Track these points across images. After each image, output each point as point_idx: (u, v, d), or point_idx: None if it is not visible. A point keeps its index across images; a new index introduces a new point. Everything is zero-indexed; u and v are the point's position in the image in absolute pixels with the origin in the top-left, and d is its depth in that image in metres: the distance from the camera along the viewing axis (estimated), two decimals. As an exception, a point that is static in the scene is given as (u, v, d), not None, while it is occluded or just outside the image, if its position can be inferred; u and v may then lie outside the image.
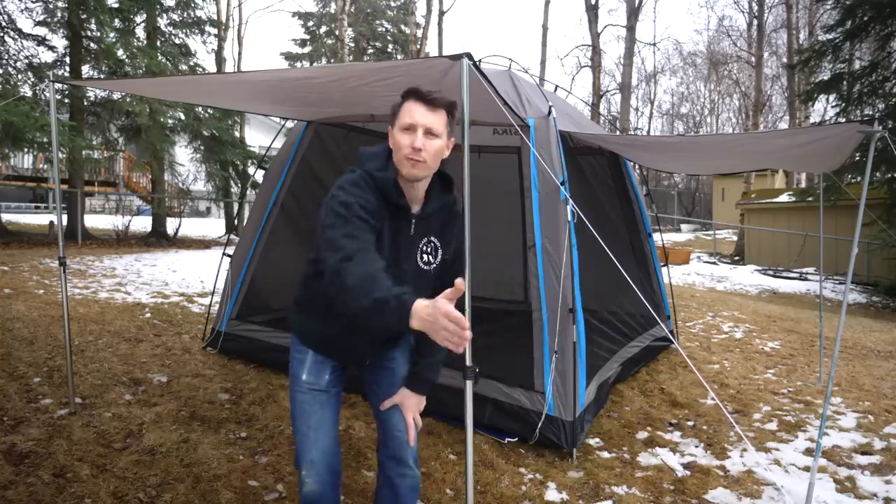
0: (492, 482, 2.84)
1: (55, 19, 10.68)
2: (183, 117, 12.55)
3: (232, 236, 11.59)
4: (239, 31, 20.89)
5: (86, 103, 11.63)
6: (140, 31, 12.30)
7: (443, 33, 19.43)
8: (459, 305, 1.35)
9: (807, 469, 3.13)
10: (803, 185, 20.81)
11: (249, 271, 4.49)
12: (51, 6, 10.62)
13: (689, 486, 2.93)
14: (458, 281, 1.30)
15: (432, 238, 1.82)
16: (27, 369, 3.78)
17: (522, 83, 3.91)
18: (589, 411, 3.41)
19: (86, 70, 11.39)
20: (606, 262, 2.27)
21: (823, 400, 2.88)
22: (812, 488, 2.62)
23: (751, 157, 3.94)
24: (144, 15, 11.97)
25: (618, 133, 14.94)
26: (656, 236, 5.47)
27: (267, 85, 3.18)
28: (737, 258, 15.63)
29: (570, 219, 3.23)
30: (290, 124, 4.91)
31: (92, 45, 11.12)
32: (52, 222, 12.44)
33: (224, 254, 4.66)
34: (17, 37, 10.55)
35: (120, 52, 10.73)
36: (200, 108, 12.40)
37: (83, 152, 11.04)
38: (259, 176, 11.28)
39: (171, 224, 13.42)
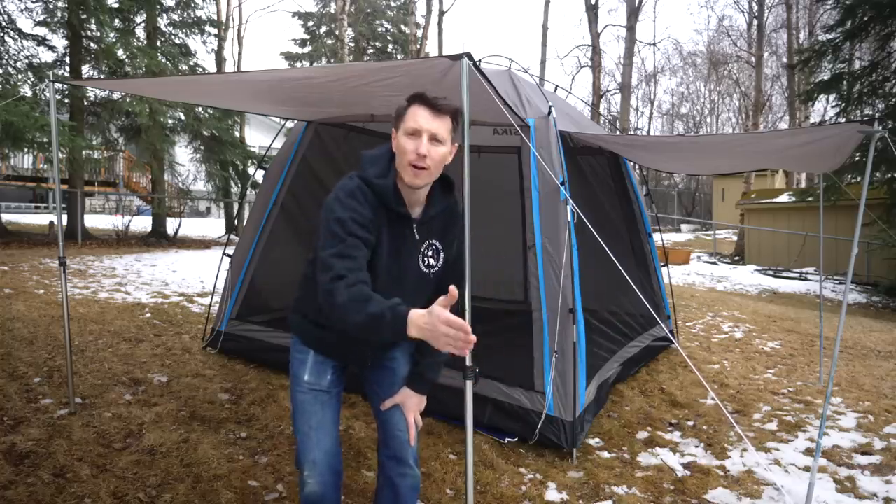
0: (492, 482, 2.84)
1: (55, 19, 10.68)
2: (183, 117, 12.55)
3: (232, 236, 11.59)
4: (239, 31, 20.93)
5: (86, 103, 11.63)
6: (140, 31, 12.31)
7: (443, 33, 19.46)
8: (460, 306, 1.36)
9: (807, 469, 3.13)
10: (803, 185, 20.82)
11: (249, 271, 4.49)
12: (51, 6, 10.63)
13: (689, 486, 2.93)
14: (453, 288, 1.33)
15: (434, 241, 1.83)
16: (27, 369, 3.78)
17: (522, 83, 3.91)
18: (589, 411, 3.41)
19: (86, 70, 11.39)
20: (606, 262, 2.27)
21: (823, 400, 2.88)
22: (812, 488, 2.62)
23: (751, 157, 3.94)
24: (144, 15, 11.97)
25: (618, 133, 14.94)
26: (656, 236, 5.47)
27: (267, 85, 3.18)
28: (737, 258, 15.63)
29: (570, 219, 3.23)
30: (290, 124, 4.91)
31: (92, 45, 11.12)
32: (52, 222, 12.44)
33: (224, 254, 4.66)
34: (17, 37, 10.56)
35: (120, 52, 10.73)
36: (200, 108, 12.41)
37: (83, 152, 11.04)
38: (259, 176, 11.28)
39: (171, 224, 13.42)
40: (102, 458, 2.77)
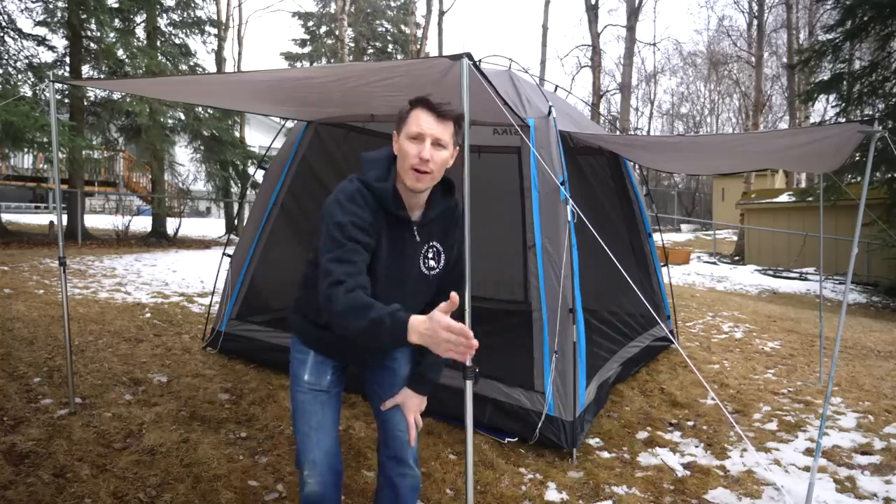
0: (492, 482, 2.84)
1: (55, 19, 10.68)
2: (183, 117, 12.55)
3: (232, 236, 11.59)
4: (239, 31, 20.93)
5: (86, 103, 11.63)
6: (140, 31, 12.31)
7: (443, 33, 19.46)
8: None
9: (807, 469, 3.13)
10: (803, 185, 20.82)
11: (249, 271, 4.49)
12: (51, 6, 10.63)
13: (689, 486, 2.93)
14: (454, 295, 1.33)
15: (434, 243, 1.83)
16: (27, 369, 3.78)
17: (522, 83, 3.91)
18: (589, 411, 3.41)
19: (86, 70, 11.39)
20: (606, 262, 2.27)
21: (823, 400, 2.88)
22: (812, 488, 2.62)
23: (751, 157, 3.94)
24: (144, 15, 11.97)
25: (618, 133, 14.94)
26: (656, 236, 5.47)
27: (267, 85, 3.18)
28: (737, 258, 15.63)
29: (570, 219, 3.23)
30: (290, 124, 4.91)
31: (92, 45, 11.12)
32: (52, 222, 12.44)
33: (224, 254, 4.66)
34: (17, 37, 10.56)
35: (120, 52, 10.73)
36: (200, 108, 12.41)
37: (83, 152, 11.04)
38: (259, 176, 11.28)
39: (171, 224, 13.42)
40: (102, 458, 2.77)
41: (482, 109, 2.63)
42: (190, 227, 16.10)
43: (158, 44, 12.26)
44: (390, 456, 1.92)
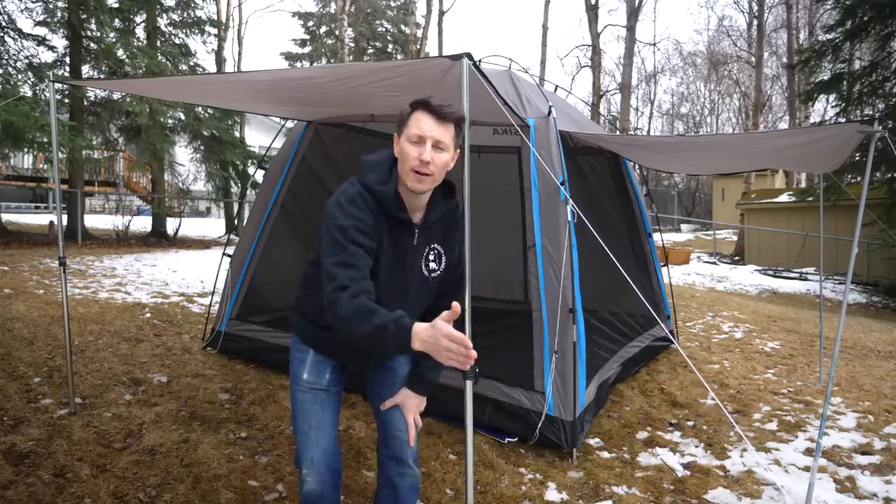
0: (492, 482, 2.84)
1: (55, 19, 10.68)
2: (183, 117, 12.55)
3: (232, 236, 11.59)
4: (239, 31, 20.93)
5: (86, 103, 11.63)
6: (140, 31, 12.31)
7: (443, 33, 19.46)
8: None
9: (807, 469, 3.13)
10: (803, 185, 20.82)
11: (249, 271, 4.49)
12: (51, 6, 10.63)
13: (689, 486, 2.93)
14: (455, 304, 1.35)
15: (436, 245, 1.83)
16: (27, 369, 3.78)
17: (522, 83, 3.91)
18: (589, 411, 3.41)
19: (86, 70, 11.39)
20: (606, 262, 2.27)
21: (823, 400, 2.88)
22: (812, 488, 2.62)
23: (751, 157, 3.94)
24: (144, 15, 11.97)
25: (618, 133, 14.94)
26: (656, 236, 5.47)
27: (267, 85, 3.18)
28: (737, 258, 15.63)
29: (570, 219, 3.23)
30: (290, 124, 4.91)
31: (92, 45, 11.12)
32: (52, 222, 12.44)
33: (224, 254, 4.66)
34: (17, 37, 10.56)
35: (120, 52, 10.73)
36: (200, 108, 12.41)
37: (83, 152, 11.04)
38: (259, 176, 11.28)
39: (171, 224, 13.42)
40: (102, 458, 2.77)
41: (482, 109, 2.63)
42: (190, 227, 16.10)
43: (158, 44, 12.26)
44: (390, 456, 1.92)
